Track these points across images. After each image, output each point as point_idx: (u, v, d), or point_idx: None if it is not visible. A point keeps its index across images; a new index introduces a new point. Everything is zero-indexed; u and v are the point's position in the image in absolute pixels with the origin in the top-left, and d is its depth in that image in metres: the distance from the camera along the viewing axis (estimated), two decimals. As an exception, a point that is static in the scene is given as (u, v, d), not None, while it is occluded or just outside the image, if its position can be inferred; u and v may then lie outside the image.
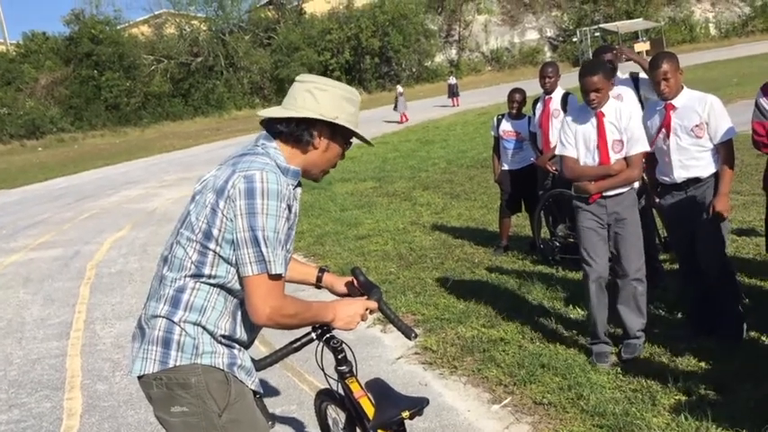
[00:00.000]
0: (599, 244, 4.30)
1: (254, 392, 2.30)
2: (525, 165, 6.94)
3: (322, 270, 2.73)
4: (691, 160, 4.26)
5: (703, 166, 4.26)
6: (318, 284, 2.71)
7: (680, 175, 4.31)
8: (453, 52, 44.43)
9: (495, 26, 45.05)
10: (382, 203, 10.73)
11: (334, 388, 2.66)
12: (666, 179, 4.40)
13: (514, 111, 6.96)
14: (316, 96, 2.25)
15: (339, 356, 2.53)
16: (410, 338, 2.58)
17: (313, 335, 2.51)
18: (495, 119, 7.20)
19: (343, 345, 2.54)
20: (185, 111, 41.35)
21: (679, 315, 4.85)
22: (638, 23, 42.89)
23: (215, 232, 2.12)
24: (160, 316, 2.18)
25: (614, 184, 4.24)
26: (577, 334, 4.78)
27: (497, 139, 7.13)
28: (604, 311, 4.36)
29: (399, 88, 28.88)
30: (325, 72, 40.16)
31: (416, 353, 4.93)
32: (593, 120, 4.26)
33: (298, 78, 2.36)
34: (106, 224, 12.26)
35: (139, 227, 11.60)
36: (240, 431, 2.20)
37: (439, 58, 43.72)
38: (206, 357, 2.16)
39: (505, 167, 7.05)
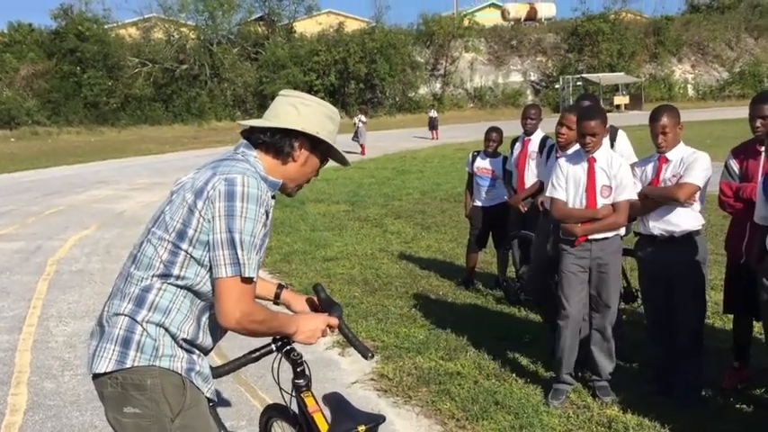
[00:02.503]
0: (578, 288, 4.38)
1: (209, 400, 2.29)
2: (497, 202, 7.00)
3: (281, 287, 2.73)
4: (672, 215, 4.33)
5: (683, 222, 4.32)
6: (276, 300, 2.71)
7: (657, 227, 4.37)
8: (438, 86, 44.90)
9: (480, 65, 45.67)
10: (353, 227, 10.73)
11: (287, 402, 2.65)
12: (645, 231, 4.47)
13: (490, 149, 7.03)
14: (299, 110, 2.30)
15: (298, 369, 2.55)
16: (367, 358, 2.59)
17: (273, 346, 2.52)
18: (470, 155, 7.27)
19: (303, 359, 2.54)
20: (165, 116, 41.06)
21: (635, 365, 4.90)
22: (619, 77, 43.81)
23: (190, 232, 2.13)
24: (123, 314, 2.16)
25: (600, 228, 4.32)
26: (534, 374, 4.81)
27: (471, 174, 7.20)
28: (574, 354, 4.42)
29: (362, 117, 25.41)
30: (309, 92, 40.05)
31: (372, 379, 4.91)
32: (585, 164, 4.35)
33: (281, 93, 2.40)
34: (72, 222, 12.08)
35: (106, 227, 11.45)
36: None
37: (423, 90, 44.12)
38: (165, 360, 2.15)
39: (478, 203, 7.11)
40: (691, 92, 48.85)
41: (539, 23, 51.45)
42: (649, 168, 4.47)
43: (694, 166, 4.24)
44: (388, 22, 45.59)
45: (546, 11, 53.78)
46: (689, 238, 4.35)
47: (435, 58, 45.29)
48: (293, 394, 2.60)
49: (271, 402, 3.06)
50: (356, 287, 7.20)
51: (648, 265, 4.52)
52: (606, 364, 4.44)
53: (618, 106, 41.10)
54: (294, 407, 2.65)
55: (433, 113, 31.87)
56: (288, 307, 2.71)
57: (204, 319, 2.25)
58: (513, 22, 50.65)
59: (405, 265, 8.13)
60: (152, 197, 14.58)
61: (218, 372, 2.41)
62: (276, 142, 2.28)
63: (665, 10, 75.17)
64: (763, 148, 4.27)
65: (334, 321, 2.50)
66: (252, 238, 2.12)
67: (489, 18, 51.01)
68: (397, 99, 43.82)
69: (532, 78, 46.68)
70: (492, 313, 6.14)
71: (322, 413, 2.52)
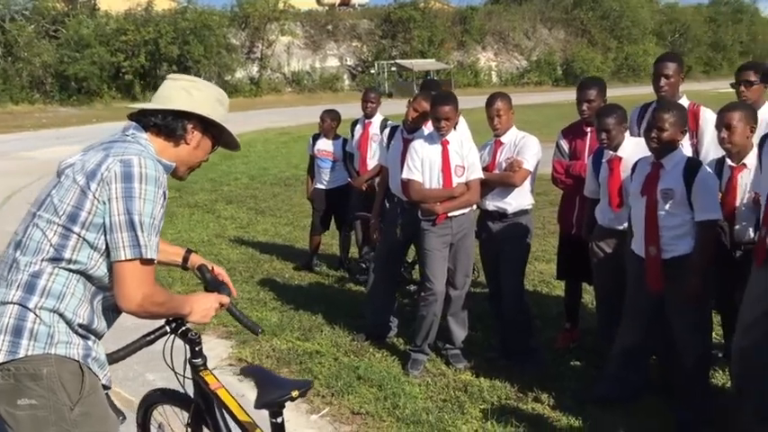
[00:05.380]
0: (441, 264, 4.60)
1: (105, 387, 2.22)
2: (338, 184, 7.11)
3: (189, 251, 2.74)
4: (507, 195, 4.67)
5: (516, 201, 4.68)
6: (185, 265, 2.72)
7: (493, 204, 4.71)
8: (255, 70, 44.17)
9: (297, 49, 45.54)
10: (183, 214, 10.40)
11: (182, 384, 2.64)
12: (483, 207, 4.79)
13: (326, 132, 7.08)
14: (191, 93, 2.30)
15: (196, 348, 2.56)
16: (257, 333, 2.67)
17: (167, 327, 2.50)
18: (311, 138, 7.33)
19: (200, 338, 2.56)
20: (-51, 99, 37.06)
21: (479, 333, 5.24)
22: (430, 63, 45.61)
23: (83, 215, 2.06)
24: (11, 302, 2.04)
25: (458, 206, 4.58)
26: (390, 347, 5.01)
27: (312, 157, 7.26)
28: (435, 327, 4.65)
29: None
30: (117, 74, 38.11)
31: (231, 364, 4.86)
32: (439, 146, 4.57)
33: (169, 77, 2.41)
34: None
35: None
36: (91, 425, 2.11)
37: (240, 74, 43.22)
38: (61, 347, 2.07)
39: (319, 186, 7.19)
40: (495, 78, 51.92)
41: (353, 9, 52.19)
42: (486, 152, 4.81)
43: (526, 150, 4.62)
44: (201, 3, 44.26)
45: (359, -3, 54.76)
46: (520, 215, 4.73)
47: (251, 41, 44.51)
48: (186, 375, 2.61)
49: (151, 390, 2.98)
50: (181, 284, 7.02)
51: (485, 239, 4.87)
52: (460, 333, 4.74)
53: (430, 91, 42.91)
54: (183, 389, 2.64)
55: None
56: (194, 269, 2.72)
57: (97, 303, 2.19)
58: (327, 7, 50.97)
59: (245, 251, 8.05)
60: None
61: (112, 357, 2.35)
62: (168, 124, 2.26)
63: (470, 0, 79.34)
64: (589, 129, 4.72)
65: (225, 300, 2.53)
66: (151, 219, 2.09)
67: (304, 2, 50.85)
68: (214, 82, 42.45)
69: (349, 63, 47.33)
70: (340, 292, 6.29)
71: (225, 389, 2.54)
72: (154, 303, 2.14)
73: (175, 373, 2.61)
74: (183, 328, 2.52)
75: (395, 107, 17.67)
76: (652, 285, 3.87)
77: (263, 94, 42.12)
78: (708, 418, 3.84)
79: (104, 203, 2.06)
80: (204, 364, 2.62)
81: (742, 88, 4.35)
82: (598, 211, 4.45)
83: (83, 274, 2.12)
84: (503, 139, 4.71)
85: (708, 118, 4.31)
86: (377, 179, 6.47)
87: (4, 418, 2.06)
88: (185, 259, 2.73)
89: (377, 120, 6.69)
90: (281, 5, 44.97)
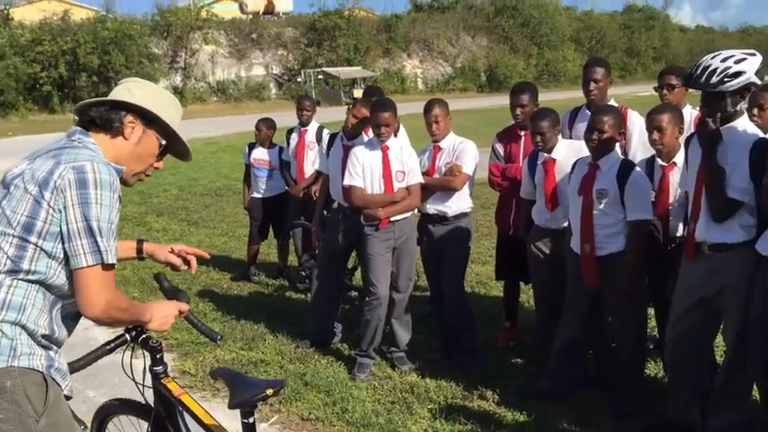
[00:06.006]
0: (385, 268, 4.67)
1: (66, 397, 2.21)
2: (276, 193, 7.10)
3: (140, 241, 2.71)
4: (447, 198, 4.77)
5: (455, 204, 4.79)
6: (140, 255, 2.69)
7: (434, 208, 4.81)
8: (178, 79, 43.37)
9: (222, 58, 44.94)
10: (113, 228, 10.15)
11: (141, 392, 2.65)
12: (424, 211, 4.89)
13: (266, 141, 7.08)
14: (132, 91, 2.30)
15: (157, 356, 2.58)
16: (216, 341, 2.71)
17: (127, 336, 2.50)
18: (246, 147, 7.29)
19: (162, 346, 2.57)
20: None
21: (421, 336, 5.32)
22: (357, 71, 45.77)
23: (39, 225, 2.04)
24: None
25: (400, 210, 4.66)
26: (335, 353, 5.04)
27: (248, 166, 7.23)
28: (380, 330, 4.72)
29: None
30: (34, 86, 36.85)
31: (174, 377, 4.76)
32: (379, 152, 4.63)
33: (120, 82, 2.40)
34: None
35: None
36: None
37: (163, 84, 42.34)
38: (24, 359, 2.05)
39: (256, 195, 7.15)
40: (420, 85, 52.51)
41: (277, 17, 51.91)
42: (425, 157, 4.91)
43: (464, 155, 4.74)
44: (120, 12, 43.20)
45: (283, 5, 54.43)
46: (460, 218, 4.84)
47: (174, 50, 43.70)
48: (145, 384, 2.63)
49: (107, 400, 2.95)
50: (134, 288, 6.89)
51: (427, 242, 4.96)
52: (404, 336, 4.81)
53: (356, 99, 43.03)
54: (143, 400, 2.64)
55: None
56: (152, 257, 2.69)
57: (56, 311, 2.17)
58: (251, 16, 50.56)
59: (180, 262, 7.90)
60: None
61: (73, 366, 2.34)
62: (102, 115, 2.24)
63: (394, 8, 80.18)
64: (523, 133, 4.88)
65: (184, 307, 2.55)
66: (109, 224, 2.09)
67: (227, 11, 50.40)
68: (135, 92, 41.51)
69: (275, 72, 47.01)
70: (281, 301, 6.28)
71: (188, 394, 2.55)
72: (118, 309, 2.14)
73: (135, 382, 2.61)
74: (144, 336, 2.51)
75: (323, 115, 17.63)
76: (587, 281, 4.05)
77: (188, 103, 41.37)
78: (641, 410, 4.02)
79: (60, 211, 2.04)
80: (165, 372, 2.63)
81: (665, 91, 4.57)
82: (534, 211, 4.59)
83: (42, 283, 2.09)
84: (441, 144, 4.81)
85: (635, 120, 4.53)
86: (314, 187, 6.51)
87: None
88: (139, 250, 2.70)
89: (312, 127, 6.72)
90: (203, 14, 44.41)
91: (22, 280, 2.07)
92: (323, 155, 5.67)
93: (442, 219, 4.80)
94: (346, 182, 4.72)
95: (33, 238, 2.05)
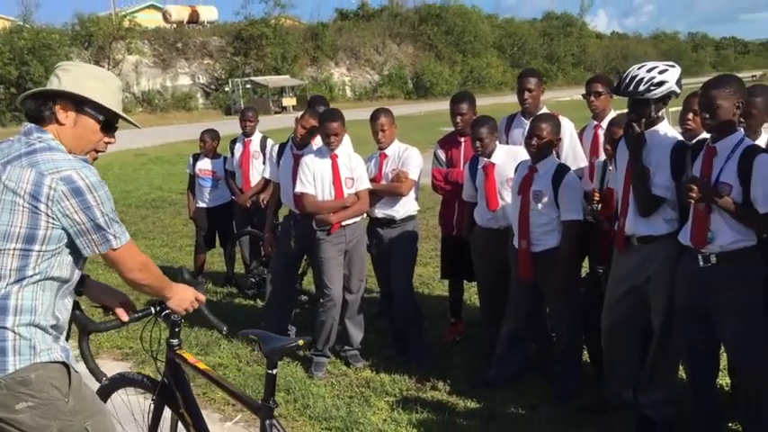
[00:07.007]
0: (337, 270, 4.89)
1: None
2: (221, 202, 7.21)
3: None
4: (394, 203, 5.03)
5: (402, 208, 5.04)
6: (80, 290, 2.62)
7: (382, 212, 5.06)
8: (101, 90, 42.37)
9: (146, 67, 44.16)
10: (49, 242, 10.01)
11: (156, 367, 2.97)
12: (372, 215, 5.13)
13: (210, 152, 7.19)
14: (59, 76, 2.35)
15: (176, 329, 2.85)
16: (222, 332, 3.00)
17: (152, 309, 2.76)
18: (191, 157, 7.38)
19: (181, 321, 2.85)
20: None
21: (372, 335, 5.56)
22: (285, 80, 45.73)
23: (40, 233, 2.20)
24: None
25: (350, 215, 4.88)
26: (291, 354, 5.21)
27: (193, 176, 7.32)
28: (335, 330, 4.94)
29: None
30: (-51, 99, 35.47)
31: (134, 384, 4.88)
32: (329, 160, 4.84)
33: (54, 66, 2.47)
34: None
35: None
36: (88, 408, 2.33)
37: (86, 95, 41.32)
38: (44, 354, 2.23)
39: (201, 205, 7.25)
40: (349, 93, 52.85)
41: (202, 27, 51.34)
42: (372, 164, 5.16)
43: (409, 161, 5.01)
44: (39, 21, 41.95)
45: (208, 14, 53.83)
46: (407, 221, 5.12)
47: (96, 60, 42.64)
48: (156, 357, 2.95)
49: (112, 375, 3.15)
50: (81, 301, 6.87)
51: (376, 245, 5.21)
52: (357, 335, 5.04)
53: (285, 107, 42.92)
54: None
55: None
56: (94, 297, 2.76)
57: (57, 299, 2.33)
58: (175, 25, 49.87)
59: (124, 274, 7.91)
60: None
61: (100, 327, 2.67)
62: (36, 108, 2.33)
63: (321, 17, 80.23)
64: (463, 139, 5.19)
65: (201, 297, 2.79)
66: (112, 213, 2.29)
67: (151, 20, 49.61)
68: (57, 104, 40.35)
69: (201, 81, 46.49)
70: (231, 308, 6.41)
71: (203, 362, 2.86)
72: (150, 270, 2.43)
73: (151, 354, 2.95)
74: (167, 311, 2.76)
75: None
76: (522, 275, 4.38)
77: (113, 114, 40.51)
78: (579, 392, 4.37)
79: (64, 217, 2.21)
80: (180, 345, 2.90)
81: (592, 98, 4.95)
82: (476, 212, 4.90)
83: (46, 278, 2.26)
84: (387, 151, 5.07)
85: (565, 125, 4.88)
86: (262, 195, 6.68)
87: (7, 424, 2.18)
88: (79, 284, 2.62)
89: (256, 137, 6.89)
90: (126, 23, 43.59)
91: (28, 284, 2.22)
92: (273, 164, 5.79)
93: (390, 222, 5.06)
94: (298, 189, 4.92)
95: (37, 246, 2.20)
